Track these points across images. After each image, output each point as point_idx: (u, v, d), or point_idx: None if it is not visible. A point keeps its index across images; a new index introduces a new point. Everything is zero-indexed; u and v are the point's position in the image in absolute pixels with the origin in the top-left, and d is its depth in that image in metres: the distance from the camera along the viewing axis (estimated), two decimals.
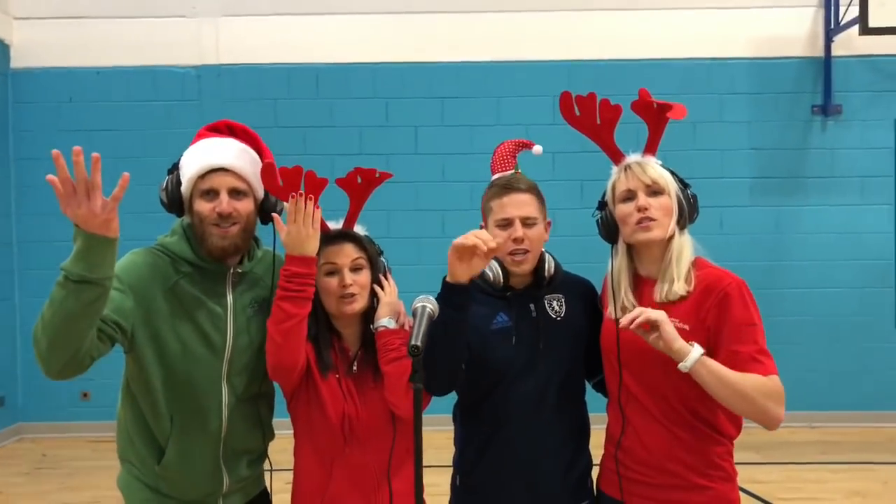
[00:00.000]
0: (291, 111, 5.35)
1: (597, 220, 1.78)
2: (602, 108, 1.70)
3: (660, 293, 1.66)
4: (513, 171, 1.84)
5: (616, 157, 1.75)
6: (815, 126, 5.36)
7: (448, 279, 1.64)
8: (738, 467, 1.72)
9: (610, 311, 1.74)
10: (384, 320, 1.73)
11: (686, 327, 1.61)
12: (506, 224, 1.74)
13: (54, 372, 1.50)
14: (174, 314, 1.66)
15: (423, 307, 1.57)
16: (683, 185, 1.72)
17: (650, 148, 1.73)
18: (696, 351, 1.52)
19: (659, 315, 1.52)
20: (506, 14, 5.33)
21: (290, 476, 1.82)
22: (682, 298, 1.63)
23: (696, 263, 1.69)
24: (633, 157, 1.72)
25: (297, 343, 1.67)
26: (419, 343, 1.43)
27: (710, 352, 1.59)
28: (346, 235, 1.76)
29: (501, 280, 1.77)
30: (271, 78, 5.35)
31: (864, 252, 5.34)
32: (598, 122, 1.71)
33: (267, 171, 1.66)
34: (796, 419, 5.18)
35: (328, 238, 1.74)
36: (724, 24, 5.32)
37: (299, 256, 1.65)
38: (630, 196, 1.68)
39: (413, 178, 5.33)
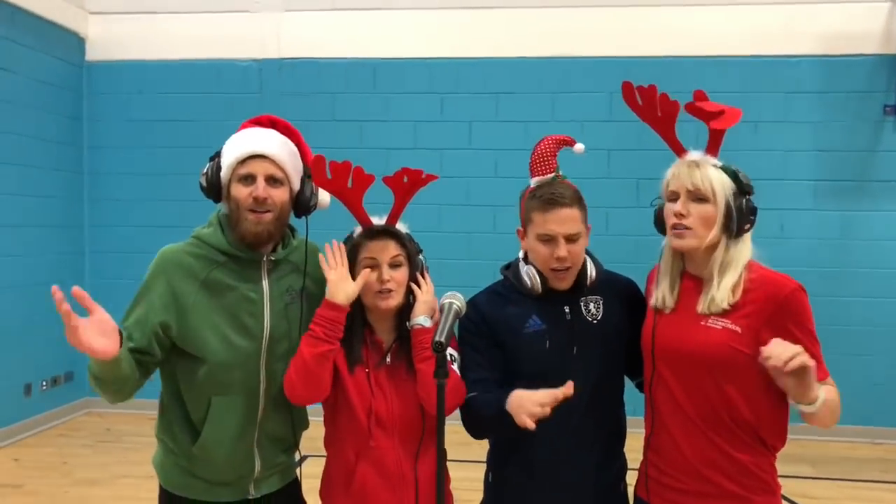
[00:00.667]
0: (349, 105, 5.44)
1: (654, 212, 1.74)
2: (661, 101, 1.67)
3: (703, 304, 1.61)
4: (553, 175, 1.77)
5: (677, 150, 1.70)
6: (887, 127, 5.12)
7: (507, 409, 1.58)
8: (790, 480, 1.67)
9: (654, 300, 1.70)
10: (420, 318, 1.73)
11: (738, 330, 1.57)
12: (548, 240, 1.69)
13: (110, 402, 1.70)
14: (210, 305, 1.70)
15: (451, 304, 1.59)
16: (742, 191, 1.62)
17: (711, 148, 1.68)
18: (822, 394, 1.46)
19: (810, 362, 1.41)
20: (562, 9, 5.27)
21: (319, 463, 1.85)
22: (732, 305, 1.58)
23: (749, 267, 1.63)
24: (693, 155, 1.67)
25: (314, 387, 1.69)
26: (443, 339, 1.44)
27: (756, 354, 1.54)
28: (388, 232, 1.77)
29: (540, 290, 1.74)
30: (330, 72, 5.44)
31: None
32: (659, 114, 1.67)
33: (317, 164, 1.69)
34: (858, 434, 4.98)
35: (371, 233, 1.77)
36: (791, 20, 5.12)
37: (329, 301, 1.69)
38: (674, 197, 1.64)
39: (465, 173, 5.35)
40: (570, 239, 1.69)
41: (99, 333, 1.49)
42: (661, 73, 5.21)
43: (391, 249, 1.75)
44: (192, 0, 5.50)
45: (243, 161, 1.70)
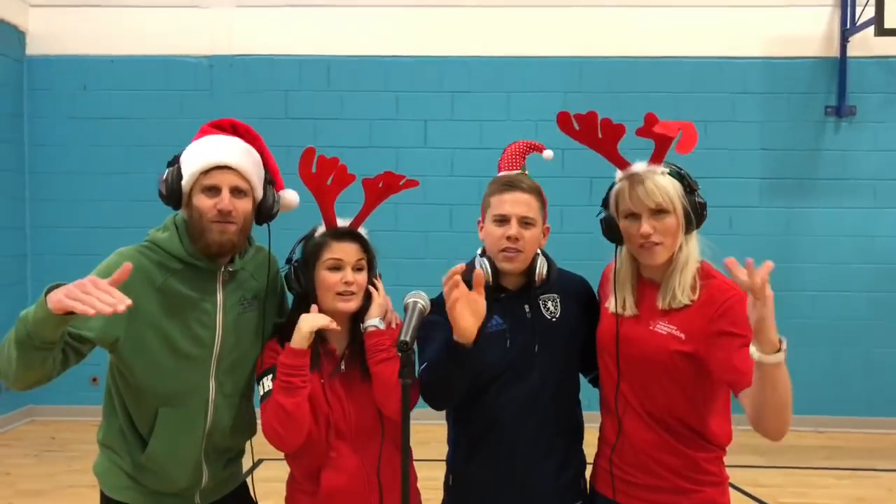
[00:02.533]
0: (302, 103, 5.37)
1: (600, 220, 1.74)
2: (604, 126, 1.65)
3: (663, 300, 1.64)
4: (519, 171, 1.82)
5: (620, 165, 1.70)
6: (829, 127, 5.32)
7: (455, 337, 1.59)
8: (740, 470, 1.72)
9: (610, 305, 1.73)
10: (375, 320, 1.72)
11: (682, 336, 1.60)
12: (502, 220, 1.72)
13: (19, 390, 1.56)
14: (163, 314, 1.65)
15: (415, 303, 1.57)
16: (691, 188, 1.65)
17: (657, 158, 1.67)
18: (782, 350, 1.38)
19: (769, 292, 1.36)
20: (517, 9, 5.31)
21: (274, 467, 1.81)
22: (685, 306, 1.62)
23: (703, 271, 1.66)
24: (638, 167, 1.66)
25: (297, 431, 1.65)
26: (408, 339, 1.43)
27: (704, 359, 1.57)
28: (354, 234, 1.76)
29: (491, 279, 1.75)
30: (283, 69, 5.36)
31: (875, 256, 5.29)
32: (600, 136, 1.66)
33: (307, 156, 1.68)
34: (803, 423, 5.15)
35: (336, 234, 1.75)
36: (738, 23, 5.27)
37: (292, 348, 1.64)
38: (631, 216, 1.64)
39: (422, 171, 5.31)
40: (524, 222, 1.72)
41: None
42: (614, 72, 5.32)
43: (356, 253, 1.74)
44: None
45: (207, 171, 1.65)
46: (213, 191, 1.66)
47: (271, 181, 1.79)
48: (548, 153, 1.87)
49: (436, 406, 1.72)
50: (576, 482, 1.84)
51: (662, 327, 1.63)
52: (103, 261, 1.67)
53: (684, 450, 1.64)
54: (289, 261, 1.78)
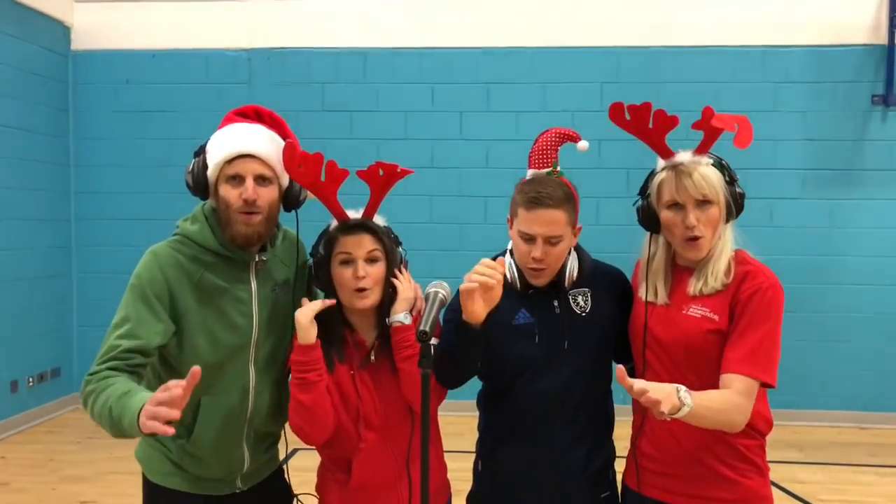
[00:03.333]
0: (339, 95, 5.40)
1: (637, 209, 1.73)
2: (656, 117, 1.62)
3: (695, 287, 1.64)
4: (550, 169, 1.72)
5: (665, 154, 1.68)
6: (875, 116, 5.15)
7: (464, 317, 1.58)
8: (778, 465, 1.70)
9: (641, 294, 1.71)
10: (400, 315, 1.69)
11: (716, 317, 1.60)
12: (528, 238, 1.67)
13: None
14: (201, 307, 1.67)
15: (436, 293, 1.56)
16: (731, 179, 1.65)
17: (703, 148, 1.66)
18: (686, 405, 1.42)
19: (655, 399, 1.37)
20: (553, 0, 5.25)
21: (308, 457, 1.84)
22: (718, 291, 1.61)
23: (738, 258, 1.65)
24: (683, 156, 1.65)
25: (321, 425, 1.67)
26: (428, 329, 1.42)
27: (728, 333, 1.59)
28: (363, 226, 1.71)
29: (519, 285, 1.73)
30: (319, 61, 5.40)
31: None
32: (651, 126, 1.64)
33: (288, 151, 1.64)
34: (845, 419, 5.04)
35: (346, 227, 1.70)
36: (781, 10, 5.14)
37: (299, 345, 1.65)
38: (675, 205, 1.63)
39: (457, 163, 5.33)
40: (550, 241, 1.66)
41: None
42: (652, 63, 5.23)
43: (367, 244, 1.69)
44: None
45: (231, 161, 1.65)
46: (238, 180, 1.65)
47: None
48: (583, 144, 1.75)
49: (445, 384, 1.71)
50: (604, 473, 1.83)
51: (696, 310, 1.63)
52: (140, 262, 1.69)
53: (729, 437, 1.62)
54: (313, 254, 1.76)
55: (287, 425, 1.85)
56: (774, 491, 1.71)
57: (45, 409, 5.25)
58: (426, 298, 1.56)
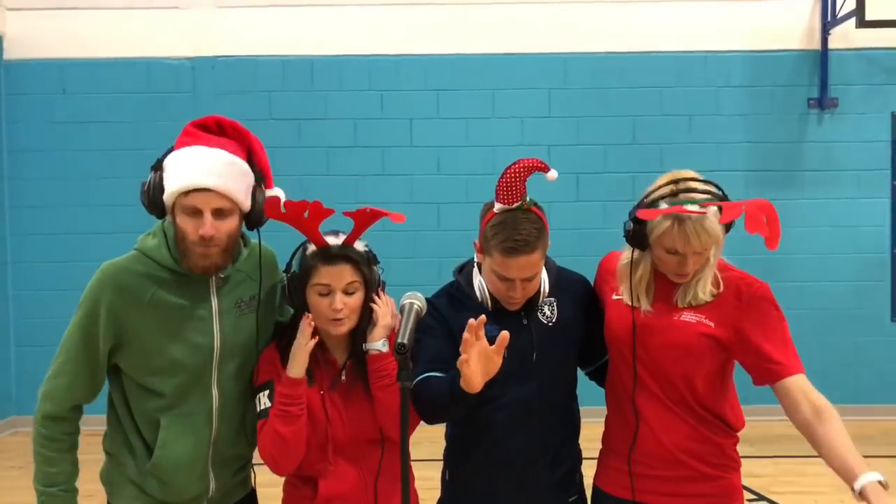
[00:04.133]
0: (286, 103, 5.32)
1: (627, 230, 1.67)
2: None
3: (682, 299, 1.65)
4: (519, 204, 1.65)
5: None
6: (812, 119, 5.36)
7: (463, 385, 1.52)
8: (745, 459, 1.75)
9: (625, 299, 1.70)
10: (378, 343, 1.65)
11: (712, 324, 1.62)
12: (505, 279, 1.65)
13: None
14: (156, 327, 1.62)
15: (411, 304, 1.54)
16: (722, 196, 1.65)
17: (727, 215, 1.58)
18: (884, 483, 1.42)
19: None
20: (501, 6, 5.30)
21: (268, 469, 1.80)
22: (708, 301, 1.64)
23: (720, 266, 1.68)
24: (690, 209, 1.57)
25: (294, 457, 1.64)
26: (406, 341, 1.40)
27: (736, 347, 1.62)
28: (344, 256, 1.64)
29: (490, 304, 1.72)
30: (266, 70, 5.32)
31: (859, 245, 5.35)
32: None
33: (270, 205, 1.60)
34: None
35: (325, 256, 1.63)
36: (720, 17, 5.30)
37: (288, 378, 1.62)
38: (672, 250, 1.60)
39: (408, 170, 5.31)
40: (528, 279, 1.66)
41: None
42: (599, 68, 5.32)
43: (346, 276, 1.63)
44: None
45: (187, 192, 1.57)
46: (195, 213, 1.58)
47: (262, 179, 1.69)
48: (552, 174, 1.68)
49: (427, 421, 1.70)
50: (571, 477, 1.84)
51: (690, 316, 1.64)
52: (89, 283, 1.63)
53: (711, 436, 1.66)
54: (287, 273, 1.70)
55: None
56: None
57: None
58: (401, 311, 1.54)
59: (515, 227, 1.61)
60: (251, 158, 1.69)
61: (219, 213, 1.59)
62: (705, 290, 1.63)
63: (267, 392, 1.66)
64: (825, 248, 5.34)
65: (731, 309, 1.62)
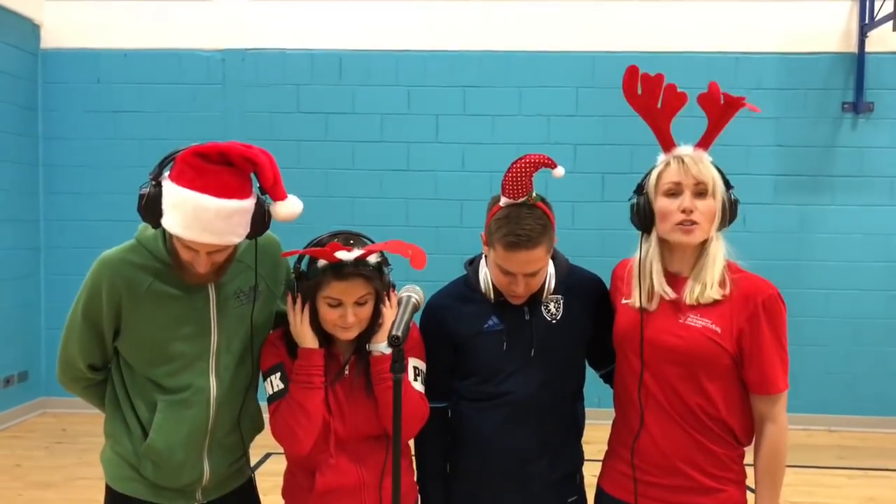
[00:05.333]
0: (314, 97, 5.35)
1: (631, 206, 1.68)
2: (667, 92, 1.60)
3: (691, 295, 1.61)
4: (525, 198, 1.64)
5: (668, 144, 1.65)
6: (846, 123, 5.25)
7: None
8: (749, 469, 1.71)
9: (634, 299, 1.67)
10: (382, 345, 1.65)
11: (718, 329, 1.59)
12: (508, 273, 1.66)
13: None
14: (152, 317, 1.63)
15: (409, 297, 1.54)
16: (728, 184, 1.65)
17: (705, 142, 1.65)
18: None
19: None
20: (530, 3, 5.27)
21: (281, 460, 1.82)
22: (716, 301, 1.60)
23: (729, 267, 1.65)
24: (684, 149, 1.64)
25: (311, 433, 1.64)
26: (400, 334, 1.40)
27: (738, 356, 1.59)
28: (357, 272, 1.60)
29: (493, 297, 1.73)
30: (294, 63, 5.35)
31: (890, 254, 5.22)
32: (660, 105, 1.61)
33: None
34: (814, 422, 5.11)
35: (338, 272, 1.59)
36: (754, 17, 5.21)
37: (303, 349, 1.65)
38: (676, 191, 1.60)
39: (433, 166, 5.32)
40: (531, 274, 1.66)
41: None
42: (626, 67, 5.26)
43: (358, 290, 1.61)
44: None
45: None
46: (192, 251, 1.55)
47: (264, 192, 1.60)
48: (559, 171, 1.66)
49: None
50: (571, 477, 1.83)
51: (695, 320, 1.60)
52: (89, 271, 1.66)
53: (712, 447, 1.62)
54: (296, 276, 1.68)
55: (257, 437, 1.82)
56: (748, 494, 1.72)
57: (11, 414, 5.13)
58: (399, 303, 1.54)
59: (518, 222, 1.61)
60: (260, 175, 1.56)
61: (215, 252, 1.58)
62: (713, 285, 1.59)
63: (278, 374, 1.68)
64: (855, 255, 5.23)
65: (738, 313, 1.59)
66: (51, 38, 5.45)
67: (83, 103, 5.41)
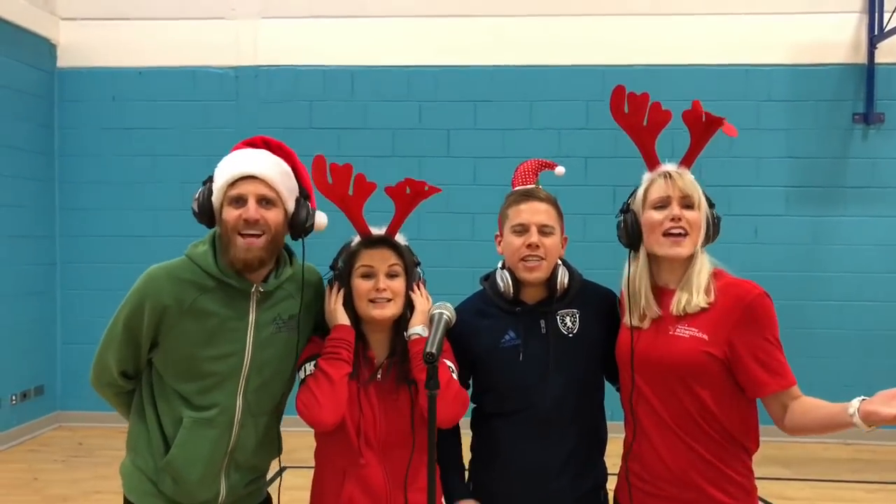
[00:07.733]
0: (326, 112, 5.41)
1: (618, 223, 1.74)
2: (652, 110, 1.67)
3: (678, 305, 1.64)
4: (533, 185, 1.85)
5: (653, 162, 1.73)
6: (856, 134, 5.24)
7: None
8: (766, 482, 1.70)
9: (626, 320, 1.71)
10: (418, 328, 1.72)
11: (705, 337, 1.60)
12: (521, 230, 1.73)
13: None
14: (192, 333, 1.67)
15: (441, 314, 1.59)
16: (710, 204, 1.70)
17: (688, 159, 1.71)
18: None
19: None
20: (540, 18, 5.32)
21: (298, 474, 1.83)
22: (702, 309, 1.62)
23: (715, 274, 1.67)
24: (669, 166, 1.70)
25: (336, 406, 1.66)
26: (434, 350, 1.43)
27: (728, 361, 1.60)
28: (385, 241, 1.76)
29: (512, 292, 1.76)
30: (307, 80, 5.42)
31: None
32: (645, 123, 1.68)
33: (318, 165, 1.67)
34: (830, 435, 5.05)
35: (369, 242, 1.75)
36: (763, 30, 5.23)
37: (337, 325, 1.73)
38: (664, 204, 1.65)
39: (444, 180, 5.31)
40: (543, 231, 1.73)
41: None
42: (637, 81, 5.24)
43: (389, 258, 1.73)
44: (166, 6, 5.45)
45: (234, 182, 1.65)
46: (240, 201, 1.65)
47: (306, 195, 1.76)
48: (559, 170, 1.89)
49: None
50: (595, 493, 1.83)
51: (683, 331, 1.63)
52: (135, 283, 1.70)
53: (714, 459, 1.62)
54: (333, 267, 1.79)
55: (274, 461, 1.84)
56: None
57: (28, 428, 5.17)
58: (430, 320, 1.59)
59: (528, 188, 1.83)
60: (297, 176, 1.76)
61: (264, 202, 1.66)
62: (699, 293, 1.62)
63: (312, 363, 1.72)
64: (867, 267, 5.20)
65: (725, 319, 1.60)
66: (67, 57, 5.54)
67: (98, 121, 5.49)
